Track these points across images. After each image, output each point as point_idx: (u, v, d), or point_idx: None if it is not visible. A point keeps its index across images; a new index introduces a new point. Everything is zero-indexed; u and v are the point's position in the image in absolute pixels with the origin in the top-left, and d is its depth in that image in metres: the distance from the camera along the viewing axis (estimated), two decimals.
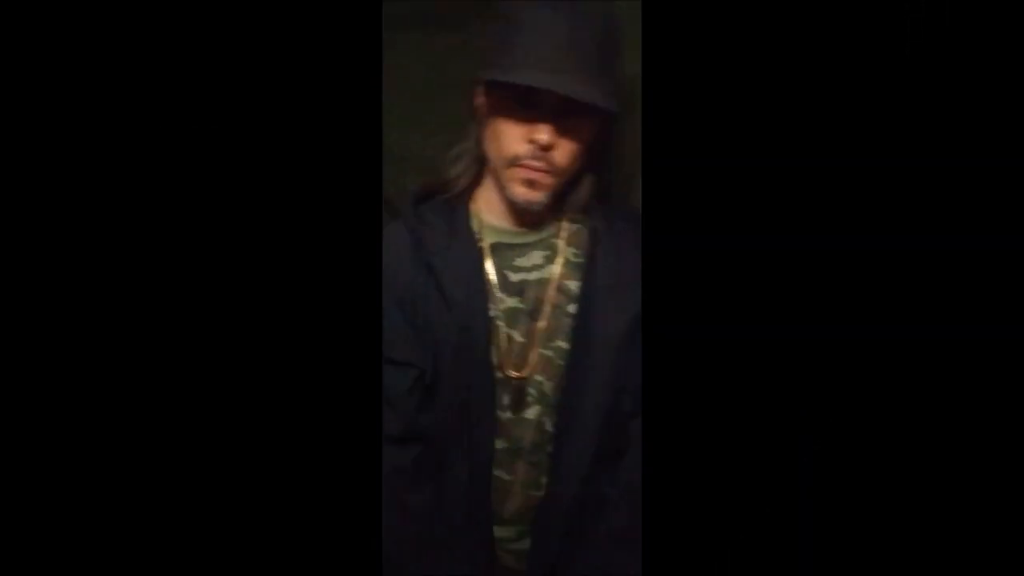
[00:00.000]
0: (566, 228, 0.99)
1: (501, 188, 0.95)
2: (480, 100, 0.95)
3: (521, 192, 0.92)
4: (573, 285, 0.98)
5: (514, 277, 0.97)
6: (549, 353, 0.96)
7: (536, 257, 0.98)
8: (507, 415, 0.96)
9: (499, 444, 0.96)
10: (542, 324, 0.96)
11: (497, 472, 0.96)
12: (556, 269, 0.98)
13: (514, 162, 0.91)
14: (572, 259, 0.98)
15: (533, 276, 0.97)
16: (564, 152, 0.91)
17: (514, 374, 0.95)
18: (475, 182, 1.00)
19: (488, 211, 0.99)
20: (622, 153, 1.21)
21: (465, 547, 0.96)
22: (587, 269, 0.98)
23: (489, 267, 0.97)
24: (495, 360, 0.95)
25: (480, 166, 0.98)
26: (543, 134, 0.88)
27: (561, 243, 0.99)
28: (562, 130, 0.90)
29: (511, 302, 0.96)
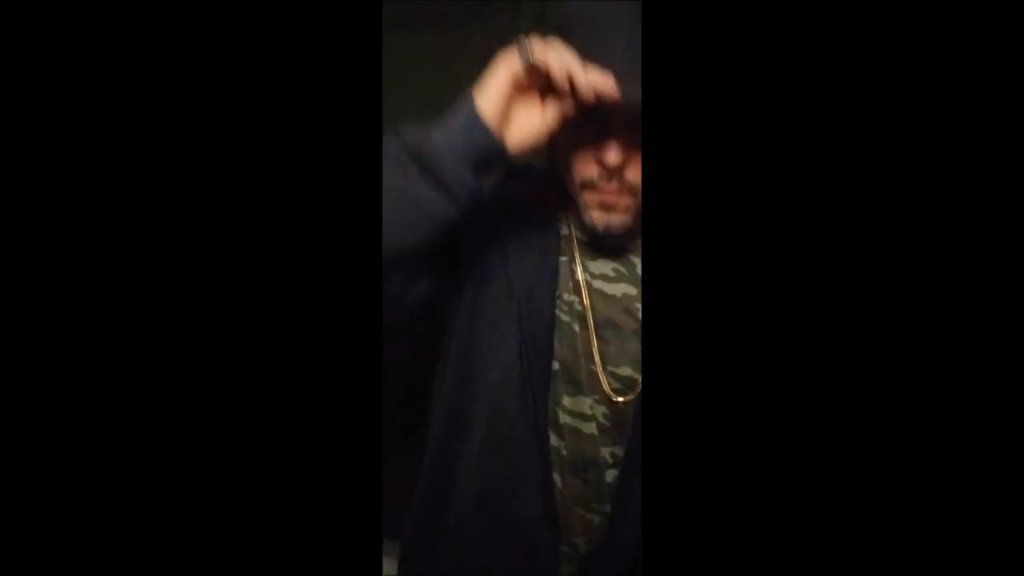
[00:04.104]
0: None
1: (579, 214, 0.87)
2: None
3: (598, 217, 0.84)
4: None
5: (579, 276, 0.89)
6: (611, 378, 0.88)
7: (605, 267, 0.90)
8: (566, 418, 0.89)
9: (554, 443, 0.89)
10: (601, 343, 0.88)
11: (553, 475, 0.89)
12: (627, 288, 0.89)
13: (586, 186, 0.83)
14: None
15: (596, 284, 0.89)
16: (640, 168, 0.81)
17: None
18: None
19: (574, 215, 0.90)
20: None
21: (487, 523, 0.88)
22: None
23: (560, 256, 0.89)
24: (554, 349, 0.87)
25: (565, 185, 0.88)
26: (612, 154, 0.79)
27: (639, 262, 0.89)
28: (635, 143, 0.80)
29: (570, 299, 0.89)
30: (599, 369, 0.88)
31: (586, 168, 0.82)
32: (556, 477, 0.89)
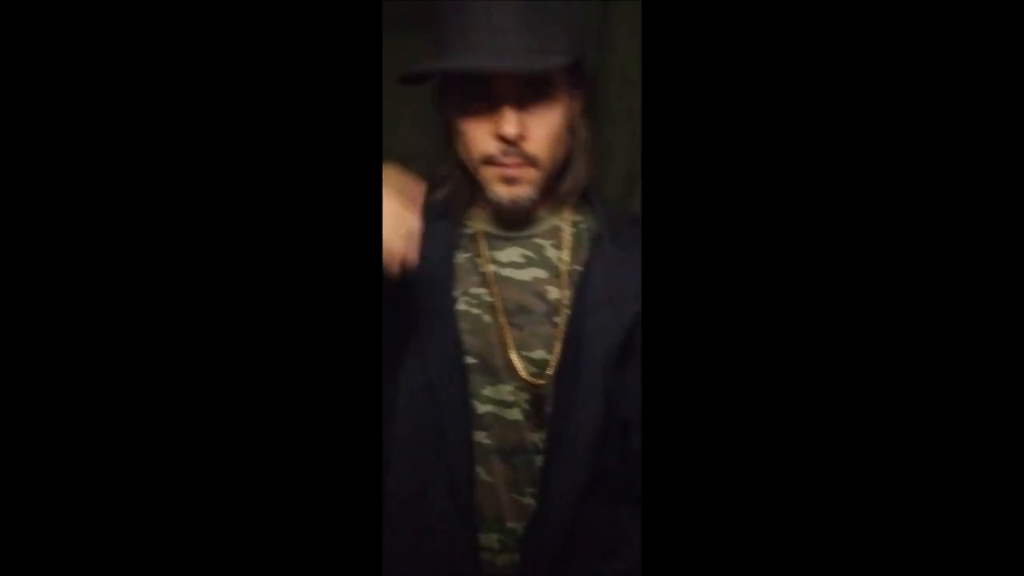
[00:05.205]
0: (565, 231, 0.92)
1: (483, 191, 0.87)
2: (441, 102, 0.89)
3: (503, 191, 0.85)
4: (554, 293, 0.90)
5: (485, 268, 0.90)
6: (526, 363, 0.89)
7: (514, 254, 0.91)
8: (487, 407, 0.89)
9: (478, 437, 0.89)
10: (514, 329, 0.89)
11: (478, 469, 0.89)
12: (536, 272, 0.91)
13: (487, 161, 0.84)
14: (560, 265, 0.90)
15: (505, 273, 0.90)
16: (538, 140, 0.83)
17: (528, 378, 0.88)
18: (470, 189, 0.92)
19: (480, 211, 0.93)
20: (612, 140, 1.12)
21: (447, 548, 0.88)
22: (581, 279, 0.89)
23: (462, 253, 0.90)
24: (466, 343, 0.88)
25: (467, 173, 0.89)
26: (508, 126, 0.81)
27: (548, 245, 0.91)
28: (531, 116, 0.82)
29: (477, 292, 0.90)
30: (515, 355, 0.88)
31: (484, 143, 0.83)
32: (480, 469, 0.89)
